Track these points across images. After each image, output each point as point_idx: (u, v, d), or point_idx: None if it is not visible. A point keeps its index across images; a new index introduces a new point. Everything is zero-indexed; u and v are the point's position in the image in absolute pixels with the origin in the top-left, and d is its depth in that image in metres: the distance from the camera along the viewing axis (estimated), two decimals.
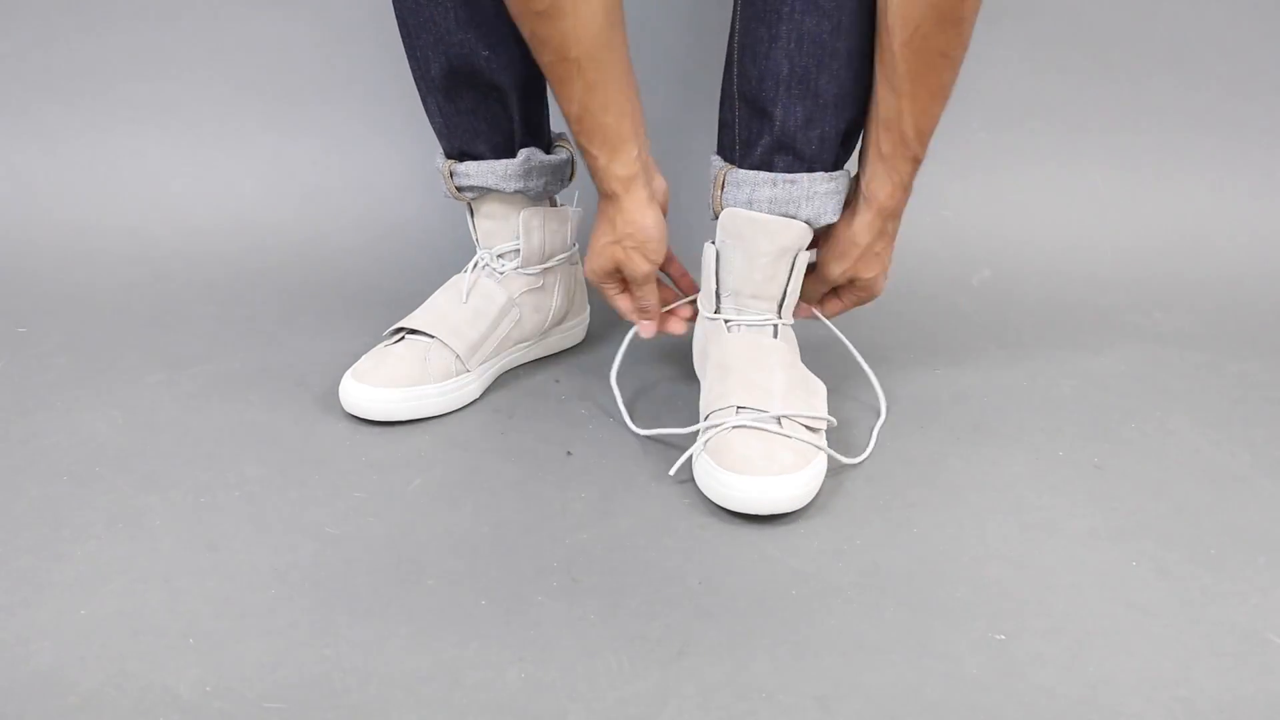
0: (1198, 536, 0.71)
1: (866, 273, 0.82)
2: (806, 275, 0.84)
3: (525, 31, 0.73)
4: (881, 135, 0.75)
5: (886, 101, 0.74)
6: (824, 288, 0.86)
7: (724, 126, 0.82)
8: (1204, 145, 1.24)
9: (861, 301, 0.86)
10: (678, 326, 0.88)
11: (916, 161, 0.76)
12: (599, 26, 0.71)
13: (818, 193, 0.78)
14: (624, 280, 0.84)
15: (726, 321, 0.82)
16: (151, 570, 0.66)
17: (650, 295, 0.84)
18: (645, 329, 0.86)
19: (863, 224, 0.79)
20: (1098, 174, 1.25)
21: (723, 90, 0.81)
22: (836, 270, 0.82)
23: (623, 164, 0.77)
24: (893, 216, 0.79)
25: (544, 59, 0.74)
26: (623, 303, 0.86)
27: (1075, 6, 1.21)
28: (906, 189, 0.78)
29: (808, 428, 0.76)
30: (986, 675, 0.58)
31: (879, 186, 0.77)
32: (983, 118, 1.25)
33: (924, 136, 0.75)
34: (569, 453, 0.81)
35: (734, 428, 0.74)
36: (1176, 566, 0.68)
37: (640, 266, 0.81)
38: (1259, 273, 1.17)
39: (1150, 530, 0.72)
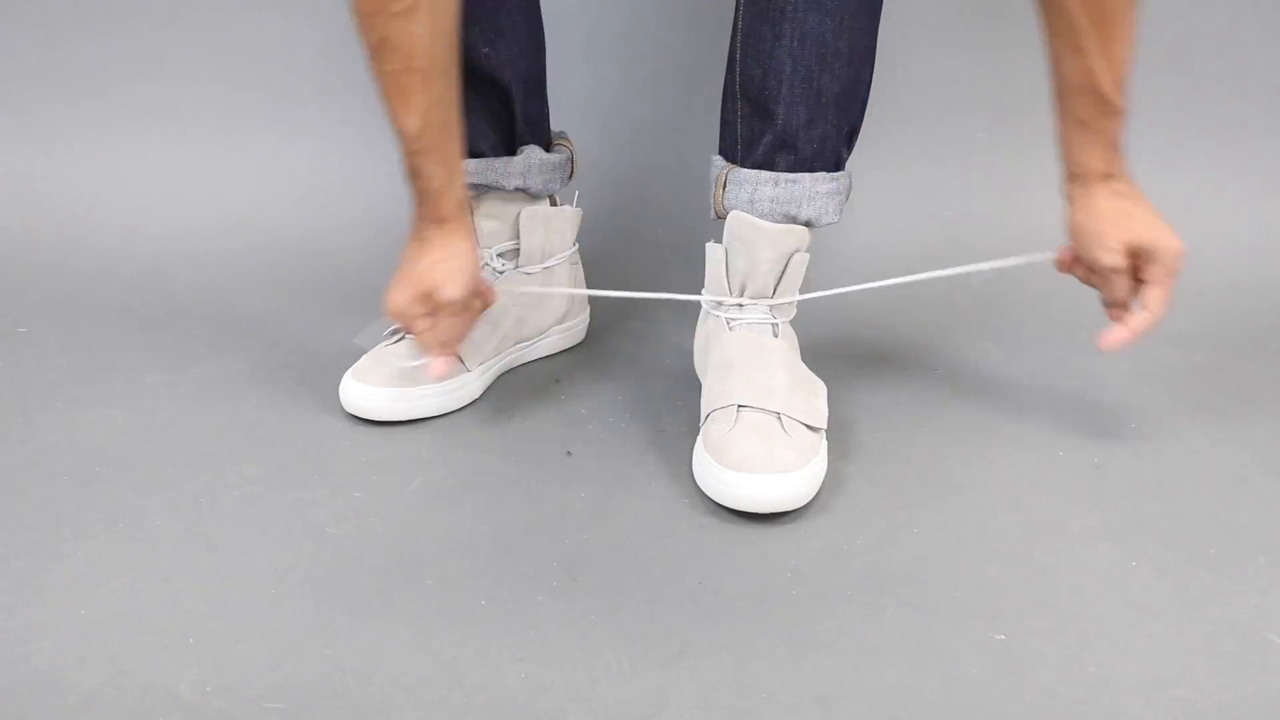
0: (1198, 536, 0.71)
1: (1135, 230, 0.73)
2: (1100, 289, 0.78)
3: (373, 37, 0.69)
4: (1076, 103, 0.70)
5: (1070, 66, 0.69)
6: (1119, 285, 0.76)
7: (725, 126, 0.82)
8: (1204, 145, 1.24)
9: (1174, 271, 0.74)
10: (445, 368, 0.80)
11: (1120, 115, 0.71)
12: (449, 33, 0.69)
13: (819, 193, 0.78)
14: (433, 307, 0.76)
15: (728, 320, 0.82)
16: (151, 570, 0.66)
17: (456, 328, 0.79)
18: (437, 367, 0.79)
19: (1096, 198, 0.74)
20: None
21: (724, 89, 0.81)
22: (1106, 257, 0.74)
23: (458, 187, 0.75)
24: (1115, 179, 0.73)
25: (388, 68, 0.69)
26: (427, 334, 0.78)
27: None
28: (1118, 148, 0.73)
29: (808, 427, 0.76)
30: (986, 675, 0.58)
31: (1089, 156, 0.73)
32: (983, 118, 1.25)
33: (1121, 86, 0.70)
34: (569, 453, 0.81)
35: (735, 426, 0.74)
36: (1176, 566, 0.68)
37: (456, 290, 0.75)
38: (1260, 273, 1.17)
39: (1150, 530, 0.72)
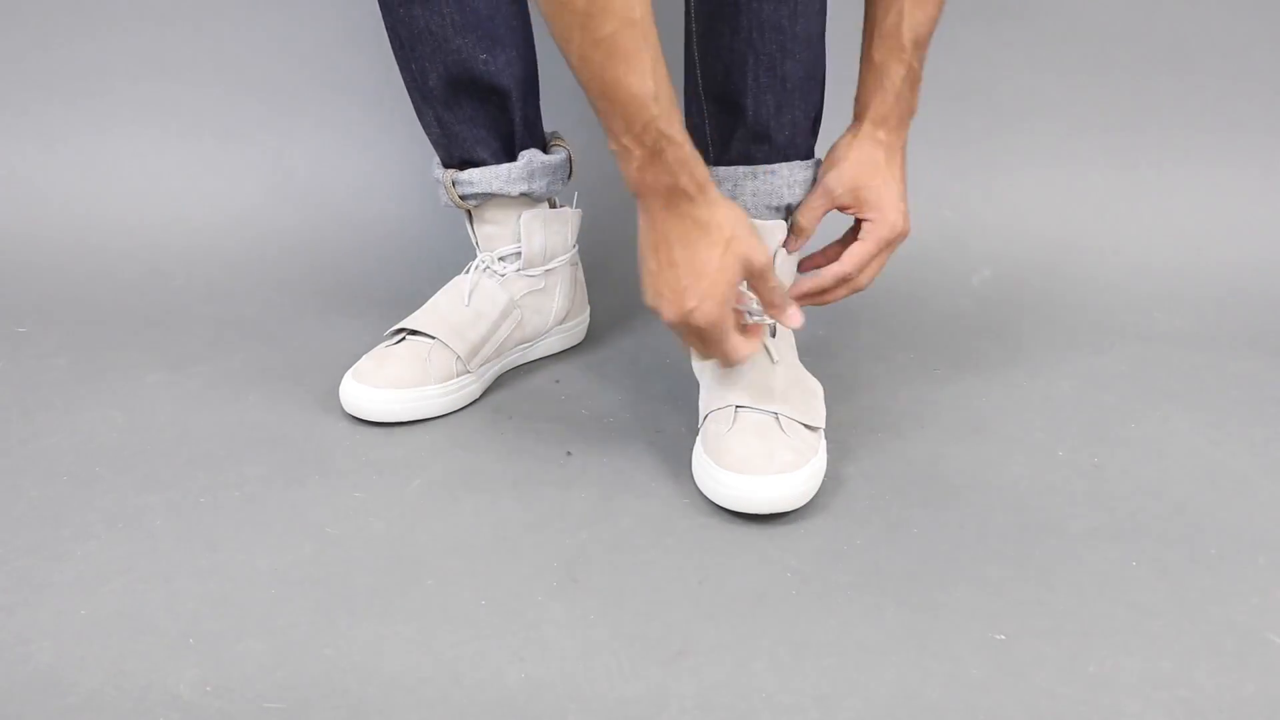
0: (1198, 536, 0.71)
1: (871, 182, 0.75)
2: (812, 201, 0.78)
3: (580, 1, 0.60)
4: (875, 44, 0.74)
5: (885, 6, 0.73)
6: (814, 206, 0.77)
7: (693, 130, 0.81)
8: (1204, 145, 1.24)
9: (886, 242, 0.75)
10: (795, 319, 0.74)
11: (910, 70, 0.74)
12: None
13: (798, 181, 0.78)
14: (756, 280, 0.70)
15: None
16: (151, 570, 0.66)
17: (778, 285, 0.71)
18: (794, 319, 0.72)
19: (857, 135, 0.77)
20: (1098, 174, 1.25)
21: (686, 94, 0.80)
22: (837, 184, 0.76)
23: (696, 151, 0.66)
24: (884, 125, 0.76)
25: (604, 32, 0.60)
26: (738, 342, 0.70)
27: (1075, 6, 1.21)
28: (899, 97, 0.75)
29: (807, 427, 0.76)
30: (986, 675, 0.58)
31: (869, 94, 0.76)
32: (983, 118, 1.25)
33: (919, 43, 0.74)
34: (569, 453, 0.81)
35: (733, 427, 0.74)
36: (1176, 566, 0.68)
37: (764, 252, 0.68)
38: (1259, 273, 1.17)
39: (1150, 530, 0.72)
